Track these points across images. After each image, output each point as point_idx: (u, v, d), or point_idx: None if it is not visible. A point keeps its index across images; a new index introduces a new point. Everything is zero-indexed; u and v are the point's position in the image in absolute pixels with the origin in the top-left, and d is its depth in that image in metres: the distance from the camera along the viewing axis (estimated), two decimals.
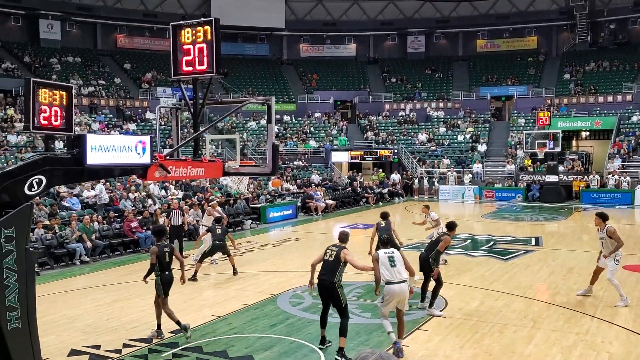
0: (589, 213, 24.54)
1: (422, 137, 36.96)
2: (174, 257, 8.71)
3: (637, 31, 42.22)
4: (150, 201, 18.68)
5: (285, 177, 27.76)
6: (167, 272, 8.54)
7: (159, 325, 8.63)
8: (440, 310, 9.61)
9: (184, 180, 20.85)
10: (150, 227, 15.63)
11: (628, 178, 27.98)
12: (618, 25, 42.50)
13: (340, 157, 35.46)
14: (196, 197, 20.22)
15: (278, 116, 38.46)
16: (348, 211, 25.71)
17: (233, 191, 21.95)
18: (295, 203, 24.18)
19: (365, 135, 37.95)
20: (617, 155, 30.38)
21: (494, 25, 45.55)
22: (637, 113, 34.37)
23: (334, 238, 19.07)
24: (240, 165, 7.78)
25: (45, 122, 6.09)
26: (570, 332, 8.61)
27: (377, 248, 8.63)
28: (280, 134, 36.23)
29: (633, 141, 31.59)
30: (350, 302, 9.83)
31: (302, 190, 26.22)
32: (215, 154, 23.57)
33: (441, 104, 41.00)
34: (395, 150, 34.64)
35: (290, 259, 14.68)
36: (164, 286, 8.46)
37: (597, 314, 9.44)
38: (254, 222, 20.93)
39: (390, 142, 36.39)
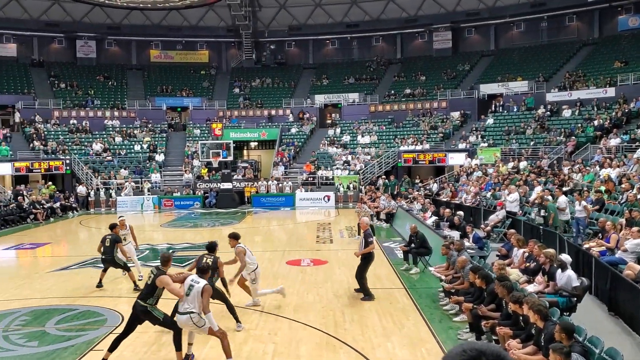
0: (260, 216, 27.00)
1: (97, 146, 35.28)
2: None
3: (293, 53, 48.12)
4: None
5: None
6: None
7: None
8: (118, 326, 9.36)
9: None
10: None
11: (290, 183, 31.65)
12: (277, 47, 47.72)
13: (1, 170, 31.30)
14: None
15: None
16: (12, 230, 22.85)
17: None
18: None
19: (31, 145, 34.29)
20: (281, 163, 34.08)
21: (167, 36, 46.34)
22: (295, 126, 39.15)
23: None
24: None
25: None
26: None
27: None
28: None
29: (292, 150, 35.86)
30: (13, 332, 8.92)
31: None
32: None
33: (116, 113, 39.78)
34: (68, 161, 32.27)
35: None
36: None
37: (265, 309, 10.46)
38: None
39: (61, 152, 33.71)
